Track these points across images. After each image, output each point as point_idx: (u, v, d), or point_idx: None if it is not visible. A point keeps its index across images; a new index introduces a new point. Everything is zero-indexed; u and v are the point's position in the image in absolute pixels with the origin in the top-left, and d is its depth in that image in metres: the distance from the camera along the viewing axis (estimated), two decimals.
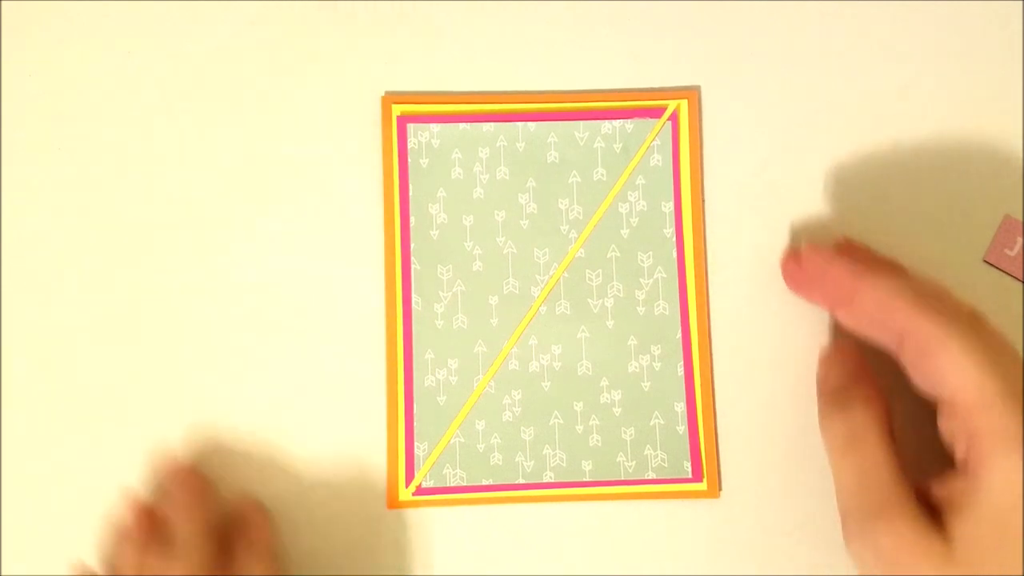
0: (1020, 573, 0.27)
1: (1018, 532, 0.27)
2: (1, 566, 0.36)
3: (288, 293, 0.37)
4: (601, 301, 0.38)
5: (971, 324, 0.30)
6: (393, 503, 0.36)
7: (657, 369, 0.37)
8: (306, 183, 0.38)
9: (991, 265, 0.38)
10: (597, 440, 0.37)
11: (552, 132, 0.38)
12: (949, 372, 0.29)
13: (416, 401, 0.37)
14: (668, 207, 0.38)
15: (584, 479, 0.37)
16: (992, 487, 0.28)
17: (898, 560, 0.29)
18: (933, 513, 0.30)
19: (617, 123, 0.38)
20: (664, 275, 0.38)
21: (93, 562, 0.36)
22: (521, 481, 0.37)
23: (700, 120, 0.39)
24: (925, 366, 0.31)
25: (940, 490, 0.30)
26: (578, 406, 0.37)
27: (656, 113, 0.38)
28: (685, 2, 0.39)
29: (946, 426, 0.31)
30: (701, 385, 0.37)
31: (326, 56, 0.39)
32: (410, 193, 0.38)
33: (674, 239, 0.38)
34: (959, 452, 0.30)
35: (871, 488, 0.31)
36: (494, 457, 0.37)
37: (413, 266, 0.37)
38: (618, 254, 0.38)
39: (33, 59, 0.38)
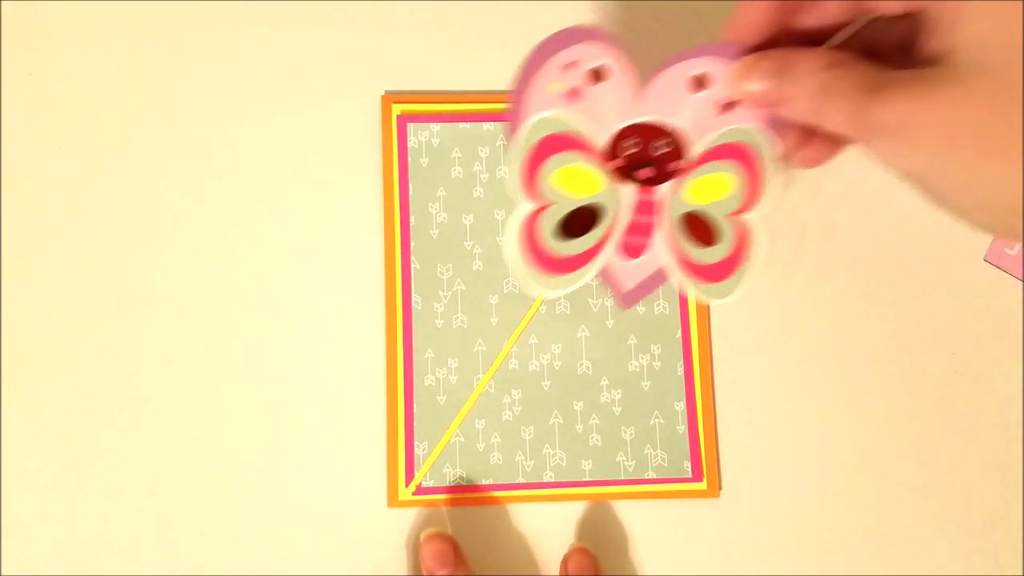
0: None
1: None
2: (1, 566, 0.36)
3: (288, 292, 0.37)
4: (601, 300, 0.38)
5: None
6: (393, 502, 0.36)
7: (657, 369, 0.37)
8: (306, 183, 0.38)
9: (991, 264, 0.38)
10: (597, 439, 0.37)
11: None
12: None
13: (416, 400, 0.37)
14: None
15: (584, 478, 0.37)
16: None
17: (912, 126, 0.26)
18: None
19: None
20: None
21: (93, 562, 0.36)
22: (521, 480, 0.37)
23: None
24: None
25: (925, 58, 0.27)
26: (578, 405, 0.37)
27: None
28: (685, 2, 0.39)
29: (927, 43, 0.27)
30: (701, 385, 0.37)
31: (326, 56, 0.39)
32: (410, 192, 0.38)
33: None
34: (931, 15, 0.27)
35: (857, 91, 0.27)
36: (494, 456, 0.37)
37: (413, 265, 0.37)
38: None
39: (33, 59, 0.38)
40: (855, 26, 0.31)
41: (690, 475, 0.37)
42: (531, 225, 0.31)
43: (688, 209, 0.32)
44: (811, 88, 0.28)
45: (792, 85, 0.29)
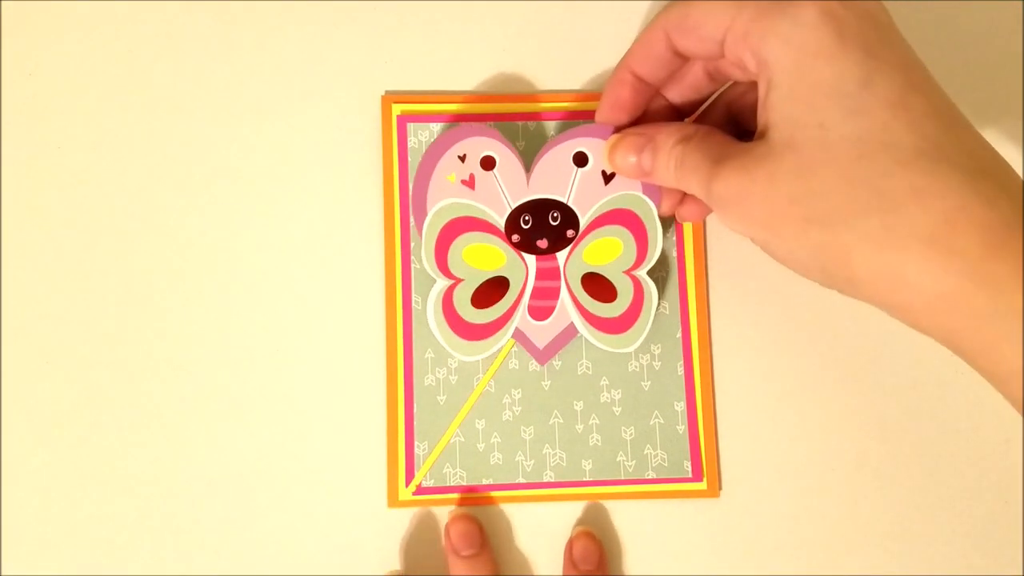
0: (832, 133, 0.26)
1: (816, 74, 0.27)
2: (1, 566, 0.36)
3: (288, 292, 0.37)
4: None
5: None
6: (393, 502, 0.36)
7: (657, 369, 0.37)
8: (306, 183, 0.38)
9: None
10: (597, 439, 0.37)
11: (552, 132, 0.38)
12: (706, 19, 0.29)
13: (416, 400, 0.37)
14: None
15: (584, 478, 0.37)
16: (774, 57, 0.27)
17: (741, 201, 0.29)
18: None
19: None
20: (664, 274, 0.38)
21: (93, 562, 0.36)
22: (521, 480, 0.37)
23: None
24: (696, 41, 0.30)
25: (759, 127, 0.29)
26: (578, 405, 0.37)
27: None
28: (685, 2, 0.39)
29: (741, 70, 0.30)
30: (701, 385, 0.37)
31: (326, 56, 0.39)
32: (410, 192, 0.38)
33: (674, 238, 0.38)
34: (758, 74, 0.29)
35: (703, 166, 0.30)
36: (494, 456, 0.37)
37: (413, 265, 0.37)
38: None
39: (33, 59, 0.38)
40: (719, 90, 0.35)
41: (690, 475, 0.37)
42: (448, 299, 0.36)
43: (587, 270, 0.36)
44: (669, 160, 0.32)
45: (653, 158, 0.32)
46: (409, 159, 0.38)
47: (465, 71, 0.39)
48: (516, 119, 0.38)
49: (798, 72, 0.27)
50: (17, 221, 0.37)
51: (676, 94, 0.35)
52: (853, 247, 0.26)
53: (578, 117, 0.38)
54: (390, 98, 0.38)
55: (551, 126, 0.38)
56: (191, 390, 0.37)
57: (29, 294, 0.37)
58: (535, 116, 0.38)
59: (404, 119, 0.38)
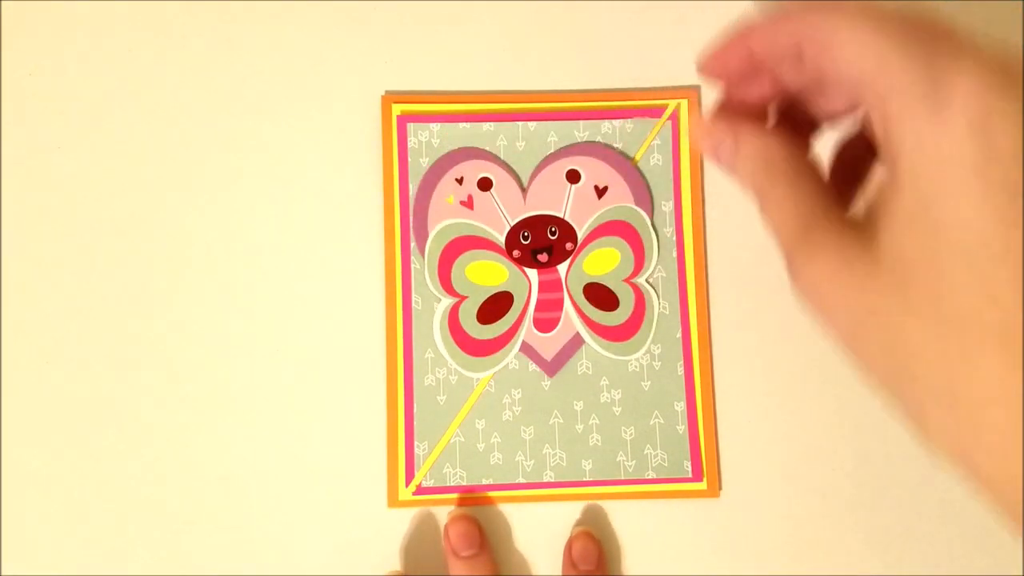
0: (952, 264, 0.22)
1: (945, 205, 0.22)
2: (1, 566, 0.36)
3: (288, 292, 0.37)
4: None
5: (860, 7, 0.25)
6: (393, 502, 0.36)
7: (657, 369, 0.37)
8: (306, 183, 0.38)
9: None
10: (597, 439, 0.37)
11: (552, 131, 0.38)
12: (847, 50, 0.24)
13: (416, 400, 0.37)
14: (668, 207, 0.38)
15: (584, 478, 0.37)
16: (905, 155, 0.23)
17: (824, 296, 0.25)
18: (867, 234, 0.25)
19: (617, 123, 0.38)
20: (664, 275, 0.38)
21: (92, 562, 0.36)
22: (521, 480, 0.37)
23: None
24: (828, 65, 0.25)
25: (869, 202, 0.25)
26: (578, 405, 0.37)
27: (656, 113, 0.38)
28: (685, 2, 0.39)
29: (869, 127, 0.25)
30: (701, 385, 0.37)
31: (326, 56, 0.39)
32: (410, 192, 0.38)
33: (674, 238, 0.38)
34: (881, 149, 0.25)
35: (789, 223, 0.26)
36: (494, 456, 0.37)
37: (413, 265, 0.37)
38: None
39: (33, 59, 0.38)
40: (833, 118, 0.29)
41: (690, 475, 0.37)
42: (454, 317, 0.37)
43: (588, 280, 0.37)
44: (752, 185, 0.27)
45: (738, 168, 0.28)
46: (409, 159, 0.38)
47: (465, 71, 0.39)
48: (516, 119, 0.38)
49: (926, 192, 0.23)
50: (17, 221, 0.37)
51: (792, 79, 0.28)
52: (929, 410, 0.23)
53: (578, 117, 0.38)
54: (390, 98, 0.38)
55: (551, 126, 0.38)
56: (191, 390, 0.37)
57: (29, 294, 0.37)
58: (535, 116, 0.38)
59: (404, 119, 0.38)
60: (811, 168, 0.27)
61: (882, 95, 0.24)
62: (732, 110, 0.29)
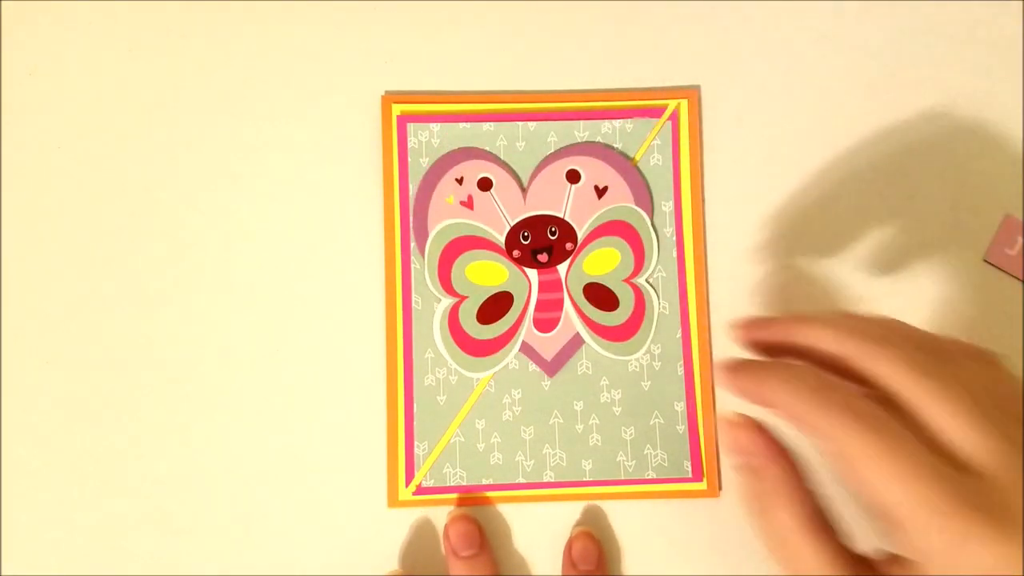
0: None
1: None
2: (1, 566, 0.36)
3: (288, 292, 0.37)
4: None
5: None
6: (393, 502, 0.36)
7: (657, 369, 0.37)
8: (306, 183, 0.38)
9: (991, 265, 0.38)
10: (597, 439, 0.37)
11: (552, 131, 0.38)
12: (878, 486, 0.25)
13: (416, 400, 0.37)
14: (668, 207, 0.38)
15: (584, 478, 0.37)
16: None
17: None
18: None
19: (617, 123, 0.38)
20: (664, 275, 0.38)
21: (92, 562, 0.36)
22: (521, 480, 0.37)
23: (700, 120, 0.39)
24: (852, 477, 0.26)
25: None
26: (578, 405, 0.37)
27: (656, 113, 0.38)
28: (685, 2, 0.39)
29: (889, 538, 0.27)
30: (701, 385, 0.37)
31: (326, 56, 0.39)
32: (410, 192, 0.38)
33: (674, 239, 0.38)
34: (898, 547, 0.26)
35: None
36: (494, 456, 0.37)
37: (413, 265, 0.37)
38: None
39: (33, 59, 0.38)
40: None
41: (690, 475, 0.37)
42: (454, 317, 0.37)
43: (588, 280, 0.37)
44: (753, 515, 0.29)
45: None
46: (409, 159, 0.38)
47: (465, 71, 0.39)
48: (516, 119, 0.38)
49: None
50: (17, 221, 0.37)
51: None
52: None
53: (578, 117, 0.38)
54: (390, 98, 0.38)
55: (551, 126, 0.38)
56: (191, 390, 0.37)
57: (29, 294, 0.37)
58: (535, 116, 0.38)
59: (404, 119, 0.38)
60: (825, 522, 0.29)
61: (909, 534, 0.25)
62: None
